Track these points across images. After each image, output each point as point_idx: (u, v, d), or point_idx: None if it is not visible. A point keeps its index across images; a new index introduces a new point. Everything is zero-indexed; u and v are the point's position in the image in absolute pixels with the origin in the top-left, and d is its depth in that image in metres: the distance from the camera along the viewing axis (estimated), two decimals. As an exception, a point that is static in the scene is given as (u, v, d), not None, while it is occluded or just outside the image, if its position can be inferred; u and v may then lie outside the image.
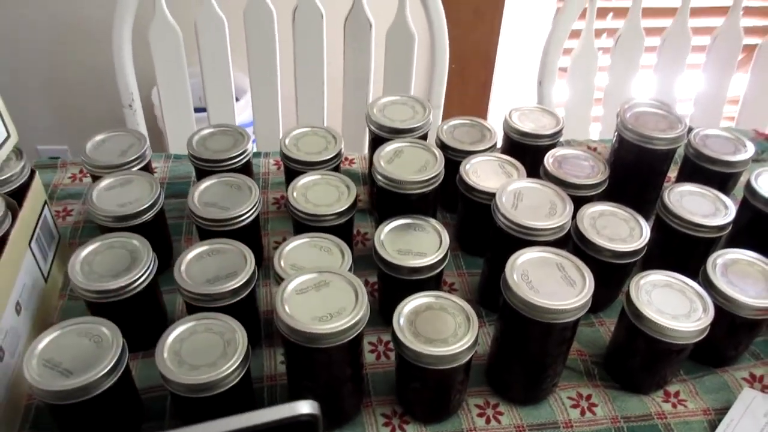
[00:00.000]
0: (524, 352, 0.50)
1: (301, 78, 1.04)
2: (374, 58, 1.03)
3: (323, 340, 0.44)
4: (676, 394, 0.55)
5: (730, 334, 0.55)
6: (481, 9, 1.42)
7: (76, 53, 1.42)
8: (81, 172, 0.78)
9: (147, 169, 0.67)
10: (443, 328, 0.48)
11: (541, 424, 0.52)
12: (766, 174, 0.66)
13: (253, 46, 1.01)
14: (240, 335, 0.47)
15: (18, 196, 0.57)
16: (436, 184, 0.59)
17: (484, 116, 1.59)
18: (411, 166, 0.59)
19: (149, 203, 0.59)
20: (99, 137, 0.67)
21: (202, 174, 0.66)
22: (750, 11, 1.50)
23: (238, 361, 0.45)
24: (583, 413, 0.53)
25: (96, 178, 0.66)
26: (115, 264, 0.53)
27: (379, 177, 0.59)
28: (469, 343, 0.47)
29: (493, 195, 0.60)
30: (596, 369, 0.56)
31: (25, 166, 0.60)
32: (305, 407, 0.26)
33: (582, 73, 1.04)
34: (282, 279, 0.51)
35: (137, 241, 0.55)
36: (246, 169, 0.68)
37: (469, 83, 1.05)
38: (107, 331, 0.47)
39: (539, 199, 0.56)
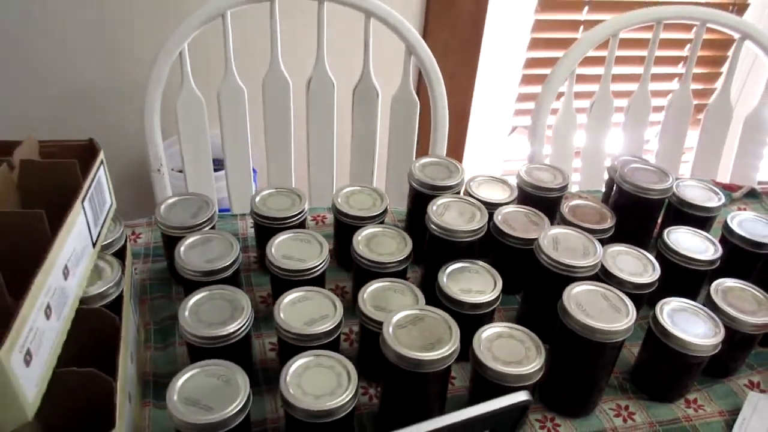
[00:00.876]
0: (579, 370, 0.60)
1: (314, 141, 1.14)
2: (383, 126, 1.14)
3: (425, 366, 0.52)
4: (695, 401, 0.66)
5: (732, 349, 0.66)
6: (456, 74, 1.57)
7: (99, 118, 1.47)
8: (133, 233, 0.84)
9: (214, 228, 0.74)
10: (516, 352, 0.57)
11: None
12: (738, 217, 0.80)
13: (269, 114, 1.10)
14: (242, 378, 0.53)
15: (118, 258, 0.63)
16: (483, 233, 0.70)
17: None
18: (461, 217, 0.70)
19: (233, 259, 0.66)
20: (170, 201, 0.75)
21: (263, 231, 0.75)
22: (698, 77, 1.71)
23: (241, 404, 0.51)
24: (625, 421, 0.63)
25: (169, 238, 0.73)
26: (218, 313, 0.60)
27: (434, 227, 0.69)
28: (540, 364, 0.56)
29: (525, 241, 0.71)
30: (628, 384, 0.67)
31: (123, 231, 0.66)
32: (524, 395, 0.34)
33: (563, 132, 1.18)
34: (371, 319, 0.60)
35: (236, 293, 0.62)
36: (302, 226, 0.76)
37: (447, 138, 1.17)
38: (231, 371, 0.54)
39: (573, 243, 0.67)
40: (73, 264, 0.53)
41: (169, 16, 1.35)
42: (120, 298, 0.59)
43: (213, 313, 0.60)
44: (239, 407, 0.51)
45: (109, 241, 0.64)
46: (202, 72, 1.09)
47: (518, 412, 0.36)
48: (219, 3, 1.00)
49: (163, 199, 0.75)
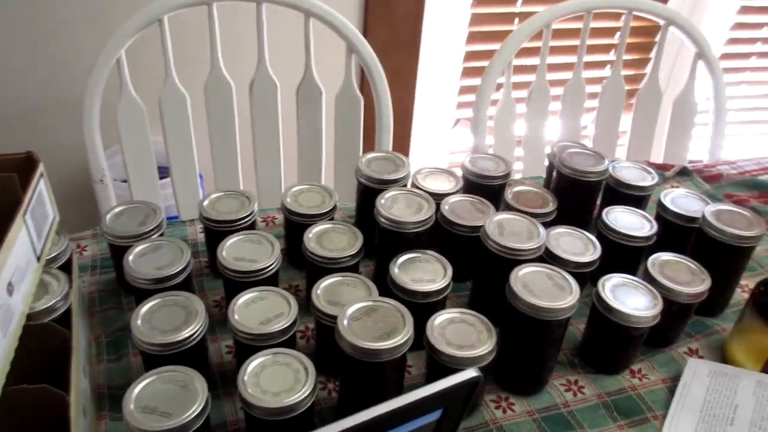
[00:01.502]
0: (529, 349, 0.63)
1: (260, 143, 1.13)
2: (325, 122, 1.14)
3: (380, 355, 0.54)
4: (639, 370, 0.69)
5: (671, 319, 0.70)
6: (399, 71, 1.59)
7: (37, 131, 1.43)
8: (79, 246, 0.82)
9: (163, 235, 0.74)
10: (468, 336, 0.59)
11: (546, 407, 0.64)
12: (671, 194, 0.84)
13: (213, 118, 1.09)
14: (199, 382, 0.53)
15: (64, 272, 0.62)
16: (431, 223, 0.71)
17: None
18: (408, 209, 0.71)
19: (184, 264, 0.66)
20: (116, 210, 0.74)
21: (213, 235, 0.75)
22: (628, 63, 1.78)
23: (199, 409, 0.51)
24: (575, 395, 0.65)
25: (116, 248, 0.72)
26: (172, 319, 0.60)
27: (383, 220, 0.70)
28: (492, 346, 0.58)
29: (472, 228, 0.73)
30: (576, 359, 0.70)
31: (68, 244, 0.65)
32: (473, 372, 0.36)
33: (504, 122, 1.21)
34: (324, 314, 0.61)
35: (189, 298, 0.62)
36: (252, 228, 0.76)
37: (392, 134, 1.19)
38: (188, 376, 0.54)
39: (518, 227, 0.70)
40: (17, 280, 0.52)
41: (105, 23, 1.31)
42: (68, 311, 0.59)
43: (166, 319, 0.60)
44: (198, 411, 0.51)
45: (54, 254, 0.63)
46: (141, 79, 1.07)
47: (469, 389, 0.38)
48: (155, 8, 0.99)
49: (108, 209, 0.74)
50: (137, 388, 0.53)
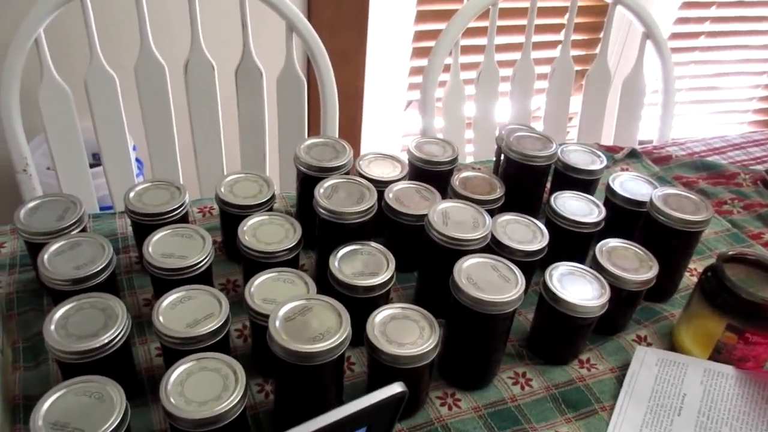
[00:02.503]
0: (475, 343, 0.60)
1: (198, 128, 1.08)
2: (267, 105, 1.09)
3: (315, 358, 0.50)
4: (588, 360, 0.67)
5: (619, 306, 0.69)
6: (346, 52, 1.54)
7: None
8: (-5, 242, 0.76)
9: (85, 230, 0.68)
10: (410, 332, 0.56)
11: (493, 402, 0.62)
12: (619, 178, 0.82)
13: (146, 102, 1.03)
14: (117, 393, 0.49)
15: (-32, 271, 0.57)
16: (373, 213, 0.68)
17: (356, 146, 1.70)
18: (349, 198, 0.68)
19: (105, 263, 0.61)
20: (31, 205, 0.68)
21: (140, 229, 0.70)
22: (578, 44, 1.76)
23: (116, 423, 0.47)
24: (522, 388, 0.63)
25: (32, 246, 0.66)
26: (90, 324, 0.55)
27: (322, 210, 0.66)
28: (435, 342, 0.55)
29: (417, 217, 0.70)
30: (524, 350, 0.68)
31: (-29, 240, 0.59)
32: (398, 387, 0.33)
33: (453, 104, 1.18)
34: (256, 313, 0.57)
35: (110, 300, 0.57)
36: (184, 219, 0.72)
37: (342, 117, 1.15)
38: (104, 387, 0.49)
39: (463, 216, 0.67)
40: None
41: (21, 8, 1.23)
42: (-26, 318, 0.53)
43: (83, 324, 0.55)
44: (114, 425, 0.46)
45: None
46: (64, 60, 1.00)
47: (395, 403, 0.34)
48: (76, -17, 0.92)
49: (23, 203, 0.68)
50: (47, 403, 0.48)
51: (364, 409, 0.31)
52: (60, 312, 0.55)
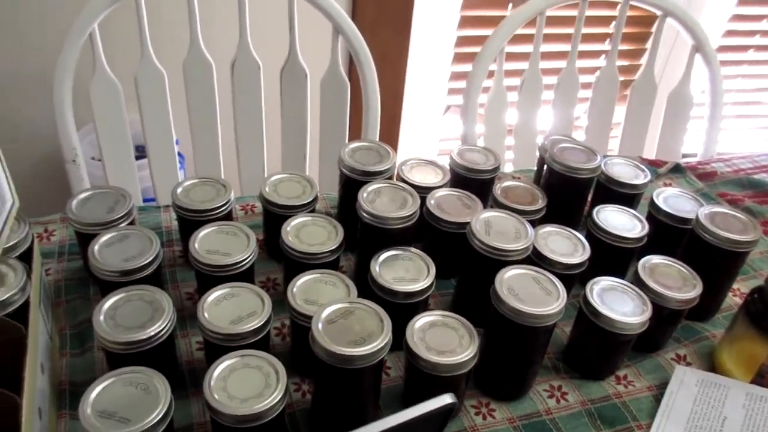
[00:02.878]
0: (513, 354, 0.60)
1: (241, 126, 1.09)
2: (310, 106, 1.10)
3: (356, 361, 0.51)
4: (625, 377, 0.67)
5: (660, 324, 0.68)
6: (388, 55, 1.55)
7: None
8: (46, 230, 0.79)
9: (133, 223, 0.70)
10: (449, 341, 0.56)
11: (528, 414, 0.61)
12: (663, 193, 0.81)
13: (192, 98, 1.05)
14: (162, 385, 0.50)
15: (24, 260, 0.59)
16: (415, 219, 0.68)
17: (394, 149, 1.70)
18: (392, 203, 0.68)
19: (153, 256, 0.63)
20: (82, 196, 0.70)
21: (186, 225, 0.71)
22: (624, 54, 1.74)
23: (161, 415, 0.48)
24: (558, 401, 0.63)
25: (83, 236, 0.68)
26: (137, 316, 0.56)
27: (365, 214, 0.67)
28: (474, 352, 0.55)
29: (458, 225, 0.70)
30: (560, 363, 0.67)
31: (28, 231, 0.61)
32: (449, 398, 0.33)
33: (495, 110, 1.18)
34: (299, 313, 0.58)
35: (156, 293, 0.58)
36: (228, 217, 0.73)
37: (381, 119, 1.15)
38: (151, 379, 0.51)
39: (505, 225, 0.67)
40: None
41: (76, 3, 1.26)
42: (26, 304, 0.55)
43: (131, 316, 0.56)
44: (159, 417, 0.48)
45: (12, 243, 0.59)
46: (116, 55, 1.02)
47: (444, 414, 0.35)
48: (131, -19, 0.94)
49: (76, 193, 0.70)
50: (95, 391, 0.49)
51: (415, 419, 0.32)
52: (109, 303, 0.57)
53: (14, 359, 0.49)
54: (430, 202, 0.73)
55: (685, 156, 1.30)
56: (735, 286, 0.80)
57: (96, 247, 0.63)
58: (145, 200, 1.24)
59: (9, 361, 0.50)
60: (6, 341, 0.51)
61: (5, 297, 0.54)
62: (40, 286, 0.60)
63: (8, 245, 0.59)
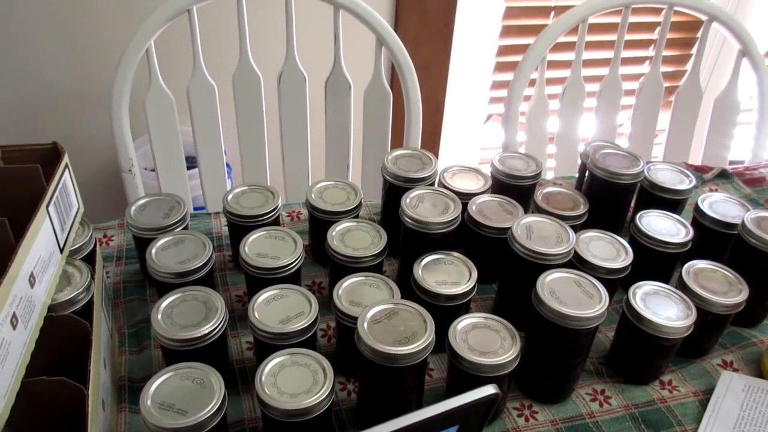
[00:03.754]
0: (555, 357, 0.61)
1: (287, 136, 1.13)
2: (353, 116, 1.13)
3: (400, 360, 0.52)
4: (669, 382, 0.66)
5: (705, 329, 0.67)
6: (430, 65, 1.57)
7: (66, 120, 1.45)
8: (105, 236, 0.83)
9: (187, 228, 0.73)
10: (491, 342, 0.57)
11: (570, 417, 0.62)
12: (709, 199, 0.80)
13: (241, 109, 1.09)
14: (216, 380, 0.52)
15: (87, 262, 0.62)
16: (457, 224, 0.69)
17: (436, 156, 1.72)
18: (434, 209, 0.70)
19: (206, 259, 0.66)
20: (140, 202, 0.74)
21: (236, 230, 0.74)
22: (668, 60, 1.72)
23: (216, 407, 0.50)
24: (601, 405, 0.63)
25: (140, 240, 0.72)
26: (193, 315, 0.59)
27: (408, 219, 0.69)
28: (516, 353, 0.56)
29: (499, 230, 0.71)
30: (603, 368, 0.68)
31: (92, 234, 0.65)
32: (491, 389, 0.34)
33: (537, 118, 1.18)
34: (344, 314, 0.60)
35: (210, 294, 0.61)
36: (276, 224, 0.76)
37: (423, 128, 1.17)
38: (206, 374, 0.53)
39: (547, 230, 0.68)
40: (39, 271, 0.52)
41: (134, 14, 1.32)
42: (90, 303, 0.59)
43: (187, 314, 0.59)
44: (214, 410, 0.50)
45: (77, 245, 0.63)
46: (170, 69, 1.07)
47: (487, 405, 0.36)
48: (185, -1, 0.98)
49: (134, 200, 0.74)
50: (155, 384, 0.52)
51: (460, 407, 0.33)
52: (166, 302, 0.60)
53: (80, 354, 0.53)
54: (472, 207, 0.74)
55: (732, 163, 1.27)
56: (784, 292, 0.79)
57: (153, 251, 0.66)
58: (195, 208, 1.29)
59: (75, 355, 0.53)
60: (72, 337, 0.54)
61: (72, 295, 0.57)
62: (102, 287, 0.64)
63: (74, 248, 0.63)
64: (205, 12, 1.02)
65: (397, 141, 1.17)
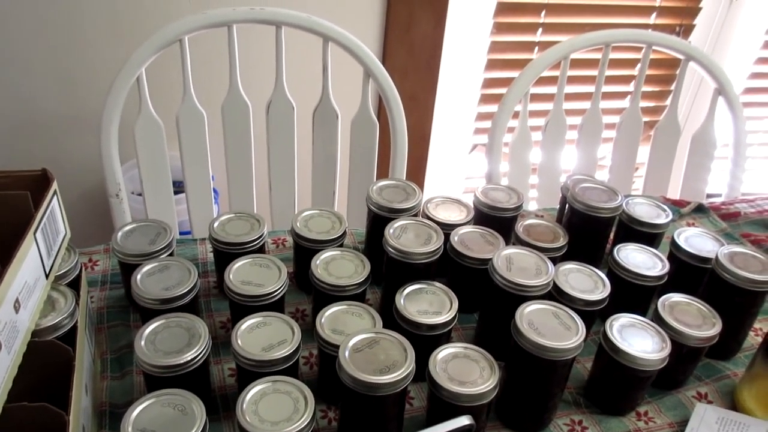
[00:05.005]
0: (533, 387, 0.62)
1: (274, 164, 1.14)
2: (340, 145, 1.15)
3: (381, 389, 0.53)
4: (645, 413, 0.68)
5: (680, 362, 0.69)
6: (416, 96, 1.60)
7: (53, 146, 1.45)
8: (91, 260, 0.83)
9: (173, 254, 0.74)
10: (471, 372, 0.58)
11: (548, 447, 0.63)
12: (685, 233, 0.83)
13: (230, 137, 1.10)
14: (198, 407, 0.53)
15: (72, 287, 0.63)
16: (439, 254, 0.71)
17: (421, 186, 1.74)
18: (417, 239, 0.71)
19: (191, 286, 0.66)
20: (126, 228, 0.74)
21: (221, 257, 0.75)
22: (648, 95, 1.77)
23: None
24: (578, 436, 0.64)
25: (126, 266, 0.72)
26: (176, 342, 0.60)
27: (391, 249, 0.70)
28: (495, 383, 0.57)
29: (481, 261, 0.73)
30: (581, 398, 0.69)
31: (77, 260, 0.66)
32: (466, 420, 0.35)
33: (520, 150, 1.21)
34: (326, 343, 0.61)
35: (194, 321, 0.62)
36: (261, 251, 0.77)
37: (409, 158, 1.19)
38: (188, 401, 0.54)
39: (526, 262, 0.69)
40: (24, 297, 0.53)
41: (126, 41, 1.34)
42: (74, 329, 0.59)
43: (170, 341, 0.60)
44: (197, 436, 0.51)
45: (63, 271, 0.64)
46: (160, 96, 1.09)
47: (462, 435, 0.37)
48: (176, 28, 1.00)
49: (120, 226, 0.75)
50: (136, 411, 0.53)
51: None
52: (149, 329, 0.61)
53: (61, 380, 0.53)
54: (454, 238, 0.76)
55: (709, 196, 1.31)
56: (757, 325, 0.81)
57: (138, 277, 0.67)
58: (181, 233, 1.29)
59: (57, 380, 0.53)
60: (55, 362, 0.55)
61: (56, 321, 0.58)
62: (86, 312, 0.64)
63: (59, 273, 0.63)
64: (196, 41, 1.04)
65: (383, 170, 1.19)
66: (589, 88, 1.25)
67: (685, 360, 0.69)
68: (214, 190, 1.46)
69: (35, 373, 0.53)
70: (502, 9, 1.58)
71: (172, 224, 1.04)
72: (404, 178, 1.17)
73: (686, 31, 1.75)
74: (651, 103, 1.79)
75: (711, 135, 1.26)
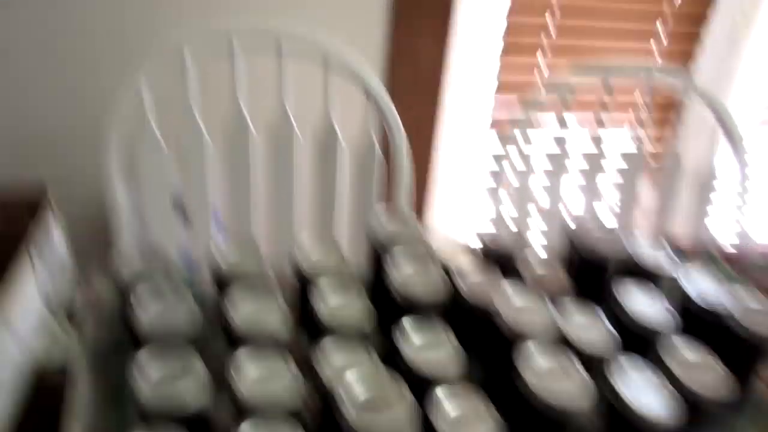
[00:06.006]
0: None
1: (274, 191, 1.14)
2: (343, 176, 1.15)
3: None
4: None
5: (687, 414, 0.67)
6: (420, 125, 1.60)
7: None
8: (91, 290, 0.82)
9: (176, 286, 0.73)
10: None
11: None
12: (693, 281, 0.81)
13: (231, 163, 1.10)
14: None
15: (72, 319, 0.62)
16: (442, 296, 0.70)
17: (422, 217, 1.74)
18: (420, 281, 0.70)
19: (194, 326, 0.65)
20: (128, 255, 0.73)
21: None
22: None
23: None
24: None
25: (126, 298, 0.71)
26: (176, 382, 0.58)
27: (393, 290, 0.69)
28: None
29: (485, 304, 0.72)
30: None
31: (78, 290, 0.65)
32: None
33: (525, 191, 1.21)
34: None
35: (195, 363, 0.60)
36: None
37: (413, 188, 1.19)
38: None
39: (529, 306, 0.68)
40: (24, 329, 0.52)
41: (129, 61, 1.34)
42: (72, 363, 0.58)
43: (170, 382, 0.58)
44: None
45: (63, 302, 0.63)
46: (162, 120, 1.08)
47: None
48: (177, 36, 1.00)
49: (120, 254, 0.74)
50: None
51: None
52: (151, 367, 0.59)
53: (59, 417, 0.52)
54: (458, 280, 0.75)
55: (716, 242, 1.30)
56: None
57: (138, 310, 0.65)
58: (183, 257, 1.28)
59: (54, 417, 0.52)
60: (53, 395, 0.53)
61: (56, 354, 0.57)
62: (85, 346, 0.63)
63: (59, 303, 0.62)
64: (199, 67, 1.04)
65: (386, 199, 1.18)
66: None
67: (692, 414, 0.68)
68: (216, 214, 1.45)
69: (32, 408, 0.52)
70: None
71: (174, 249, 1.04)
72: (406, 209, 1.17)
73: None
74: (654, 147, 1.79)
75: (716, 177, 1.26)
